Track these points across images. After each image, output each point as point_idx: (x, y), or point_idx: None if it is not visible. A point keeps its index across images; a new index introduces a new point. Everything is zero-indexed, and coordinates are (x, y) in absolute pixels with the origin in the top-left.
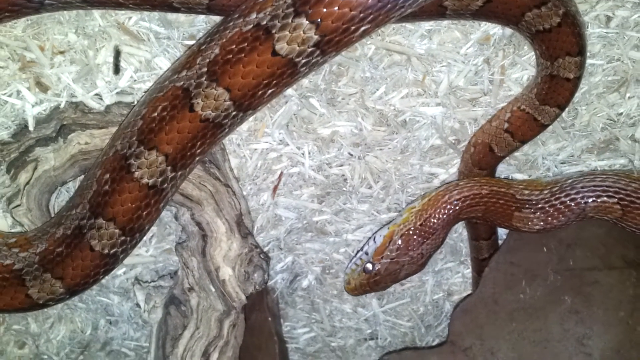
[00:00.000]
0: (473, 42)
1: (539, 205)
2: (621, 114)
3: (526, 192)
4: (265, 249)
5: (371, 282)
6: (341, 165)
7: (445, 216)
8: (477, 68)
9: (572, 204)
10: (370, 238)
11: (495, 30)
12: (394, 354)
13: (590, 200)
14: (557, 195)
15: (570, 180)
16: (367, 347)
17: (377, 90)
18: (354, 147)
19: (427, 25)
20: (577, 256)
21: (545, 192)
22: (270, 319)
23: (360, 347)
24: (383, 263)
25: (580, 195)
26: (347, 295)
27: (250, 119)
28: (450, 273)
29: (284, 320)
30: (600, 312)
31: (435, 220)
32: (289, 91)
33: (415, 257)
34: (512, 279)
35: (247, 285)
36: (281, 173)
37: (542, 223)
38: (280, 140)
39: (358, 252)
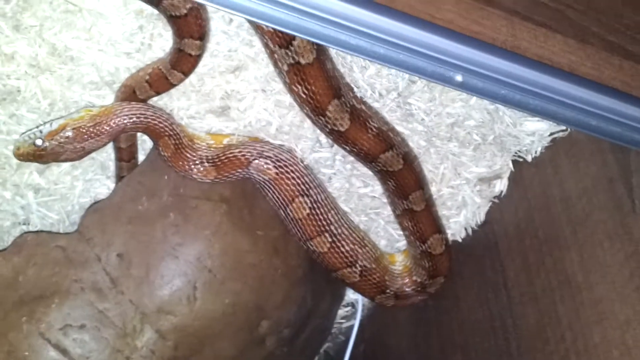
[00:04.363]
0: (130, 12)
1: (176, 146)
2: (234, 90)
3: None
4: None
5: (36, 154)
6: (18, 79)
7: (114, 125)
8: (132, 30)
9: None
10: (48, 122)
11: (148, 7)
12: (32, 234)
13: None
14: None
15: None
16: (20, 230)
17: (53, 27)
18: (30, 68)
19: None
20: (187, 186)
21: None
22: None
23: (14, 229)
24: (51, 144)
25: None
26: (9, 184)
27: None
28: (98, 183)
29: None
30: (192, 229)
31: (104, 127)
32: None
33: (78, 149)
34: (136, 194)
35: None
36: None
37: (169, 154)
38: None
39: (34, 128)
